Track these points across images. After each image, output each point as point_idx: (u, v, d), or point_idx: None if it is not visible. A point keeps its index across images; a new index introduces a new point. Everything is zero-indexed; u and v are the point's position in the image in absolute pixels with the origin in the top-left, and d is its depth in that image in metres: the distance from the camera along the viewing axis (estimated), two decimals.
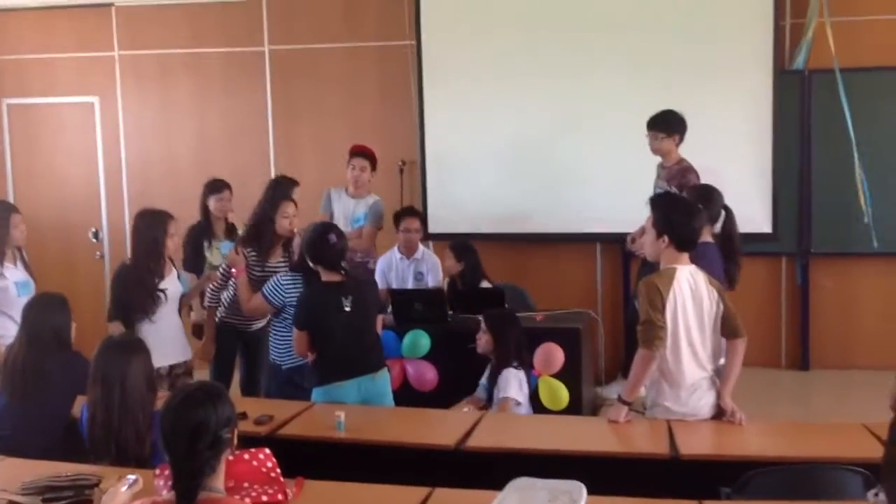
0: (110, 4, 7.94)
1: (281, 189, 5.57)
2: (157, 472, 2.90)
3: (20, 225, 5.24)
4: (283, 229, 5.22)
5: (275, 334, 4.99)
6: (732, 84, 6.76)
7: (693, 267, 4.00)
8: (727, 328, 3.97)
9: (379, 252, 6.42)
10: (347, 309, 4.43)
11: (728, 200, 4.81)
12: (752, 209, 6.61)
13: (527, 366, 4.78)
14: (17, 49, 8.15)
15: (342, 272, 4.51)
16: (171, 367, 4.83)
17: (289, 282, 4.78)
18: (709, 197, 4.69)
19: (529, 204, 7.14)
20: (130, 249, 4.90)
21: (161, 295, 4.80)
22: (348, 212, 6.27)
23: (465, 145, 7.24)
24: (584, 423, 4.65)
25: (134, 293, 4.78)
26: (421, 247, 6.34)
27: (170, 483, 2.51)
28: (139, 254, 4.85)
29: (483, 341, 4.82)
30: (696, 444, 3.70)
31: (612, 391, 6.40)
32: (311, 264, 4.54)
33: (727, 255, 4.72)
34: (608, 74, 6.91)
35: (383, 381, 4.60)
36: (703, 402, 3.95)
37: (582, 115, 6.99)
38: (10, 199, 8.18)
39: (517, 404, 4.57)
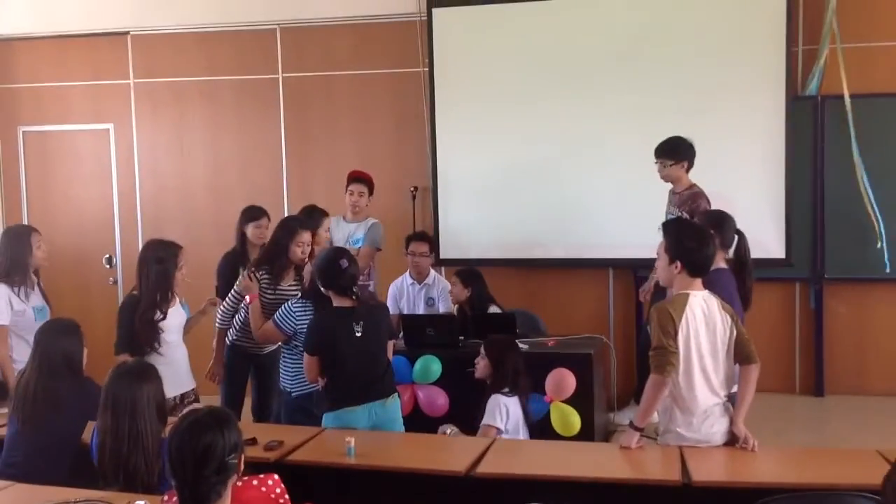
0: (126, 33, 8.02)
1: (307, 218, 5.61)
2: (165, 498, 2.89)
3: (41, 246, 5.22)
4: (295, 256, 5.23)
5: (285, 361, 4.99)
6: (745, 109, 6.76)
7: (706, 292, 3.99)
8: (740, 354, 3.95)
9: (389, 277, 6.43)
10: (358, 334, 4.43)
11: (741, 226, 4.80)
12: (765, 235, 6.59)
13: (523, 392, 4.72)
14: (33, 77, 8.24)
15: (353, 297, 4.51)
16: (183, 396, 4.82)
17: (299, 309, 4.78)
18: (721, 222, 4.68)
19: (541, 229, 7.14)
20: (138, 280, 4.81)
21: (161, 330, 4.76)
22: (348, 236, 6.30)
23: (477, 171, 7.25)
24: (595, 449, 4.62)
25: (140, 327, 4.72)
26: (433, 272, 6.34)
27: None
28: (147, 286, 4.78)
29: (481, 366, 4.81)
30: (708, 471, 3.67)
31: (624, 417, 6.37)
32: (322, 289, 4.55)
33: (741, 280, 4.70)
34: (620, 100, 6.92)
35: (394, 407, 4.58)
36: (716, 429, 3.92)
37: (594, 141, 7.00)
38: None
39: (500, 432, 4.52)
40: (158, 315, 4.76)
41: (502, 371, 4.71)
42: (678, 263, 3.94)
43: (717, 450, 3.88)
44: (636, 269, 7.05)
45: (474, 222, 7.30)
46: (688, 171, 5.82)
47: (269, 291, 5.17)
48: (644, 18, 6.96)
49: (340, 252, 4.66)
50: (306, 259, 5.27)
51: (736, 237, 4.72)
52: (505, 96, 7.16)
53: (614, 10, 7.02)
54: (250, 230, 5.84)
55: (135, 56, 8.04)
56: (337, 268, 4.48)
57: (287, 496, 3.04)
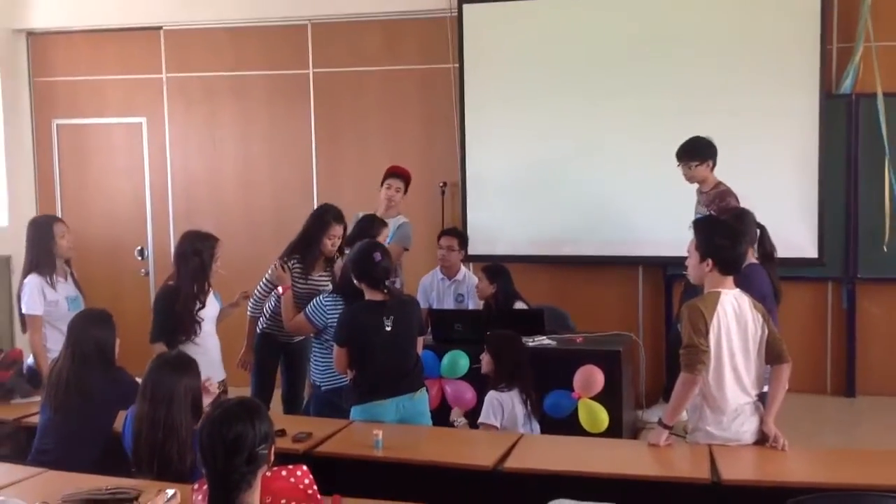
0: (159, 28, 8.09)
1: (367, 224, 5.61)
2: (195, 486, 2.92)
3: (66, 235, 5.25)
4: (325, 248, 5.26)
5: (315, 355, 5.01)
6: (778, 108, 6.69)
7: (738, 291, 3.97)
8: (771, 353, 3.93)
9: (418, 272, 6.43)
10: (389, 328, 4.44)
11: (772, 224, 4.78)
12: (797, 234, 6.55)
13: (523, 386, 4.70)
14: (68, 71, 8.33)
15: (385, 291, 4.53)
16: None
17: (330, 303, 4.80)
18: (742, 219, 4.67)
19: (570, 226, 7.12)
20: (175, 271, 4.88)
21: (199, 320, 4.83)
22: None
23: (506, 167, 7.25)
24: (623, 447, 4.60)
25: (177, 316, 4.79)
26: (463, 269, 6.35)
27: (207, 498, 2.53)
28: (184, 276, 4.85)
29: (485, 361, 4.82)
30: (737, 470, 3.65)
31: (652, 415, 6.33)
32: (355, 282, 4.57)
33: (768, 273, 4.69)
34: (652, 97, 6.88)
35: (422, 401, 4.59)
36: (746, 428, 3.90)
37: (624, 138, 6.97)
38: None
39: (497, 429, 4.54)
40: (198, 305, 4.81)
41: (501, 366, 4.73)
42: (709, 261, 3.92)
43: (746, 449, 3.86)
44: (666, 267, 7.01)
45: (503, 218, 7.30)
46: (712, 169, 5.78)
47: (300, 282, 5.20)
48: (675, 15, 6.92)
49: (374, 245, 4.67)
50: (336, 252, 5.29)
51: (758, 231, 4.71)
52: (535, 92, 7.14)
53: (646, 7, 6.99)
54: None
55: (167, 51, 8.11)
56: (371, 260, 4.49)
57: (315, 487, 3.05)
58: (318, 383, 4.96)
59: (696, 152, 5.73)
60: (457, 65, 7.33)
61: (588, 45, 7.04)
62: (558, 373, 4.93)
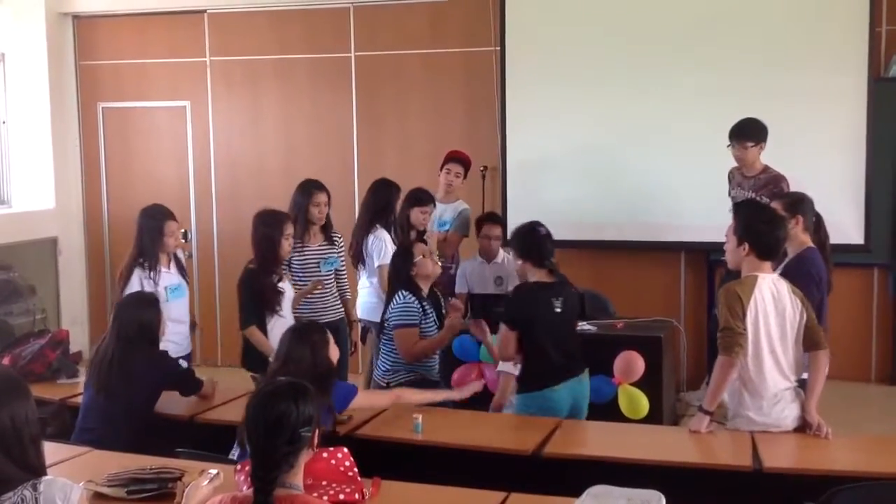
0: (203, 11, 8.14)
1: (382, 190, 5.80)
2: (238, 467, 2.95)
3: (175, 233, 5.25)
4: (314, 216, 5.45)
5: (383, 354, 4.93)
6: (824, 91, 6.58)
7: (775, 275, 3.94)
8: (809, 340, 3.89)
9: (462, 257, 6.44)
10: (558, 310, 4.36)
11: (817, 209, 4.70)
12: (843, 219, 6.44)
13: None
14: (113, 55, 8.42)
15: (551, 270, 4.44)
16: None
17: (410, 299, 4.74)
18: (801, 204, 4.54)
19: (612, 211, 7.07)
20: (254, 250, 5.00)
21: (281, 290, 4.94)
22: (436, 217, 6.29)
23: (548, 151, 7.20)
24: (664, 433, 4.58)
25: (262, 293, 4.88)
26: (502, 252, 6.32)
27: (250, 479, 2.55)
28: (257, 252, 4.98)
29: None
30: (780, 458, 3.62)
31: (693, 400, 6.31)
32: (518, 261, 4.49)
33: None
34: (694, 80, 6.79)
35: (587, 383, 4.50)
36: (787, 414, 3.86)
37: (667, 122, 6.89)
38: (104, 200, 8.49)
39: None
40: (275, 277, 4.92)
41: None
42: (746, 245, 3.89)
43: (788, 436, 3.82)
44: (709, 253, 6.95)
45: (543, 203, 7.24)
46: (760, 153, 5.72)
47: (296, 255, 5.37)
48: None
49: (536, 222, 4.62)
50: (324, 219, 5.49)
51: (814, 218, 4.62)
52: (576, 76, 7.09)
53: None
54: (415, 214, 5.85)
55: (211, 34, 8.15)
56: (536, 233, 4.44)
57: (356, 469, 3.08)
58: (386, 381, 4.89)
59: (753, 133, 5.66)
60: (499, 48, 7.29)
61: (628, 29, 6.96)
62: (599, 358, 4.91)
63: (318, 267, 5.48)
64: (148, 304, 4.30)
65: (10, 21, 8.19)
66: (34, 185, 8.30)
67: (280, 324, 4.82)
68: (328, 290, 5.49)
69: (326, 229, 5.54)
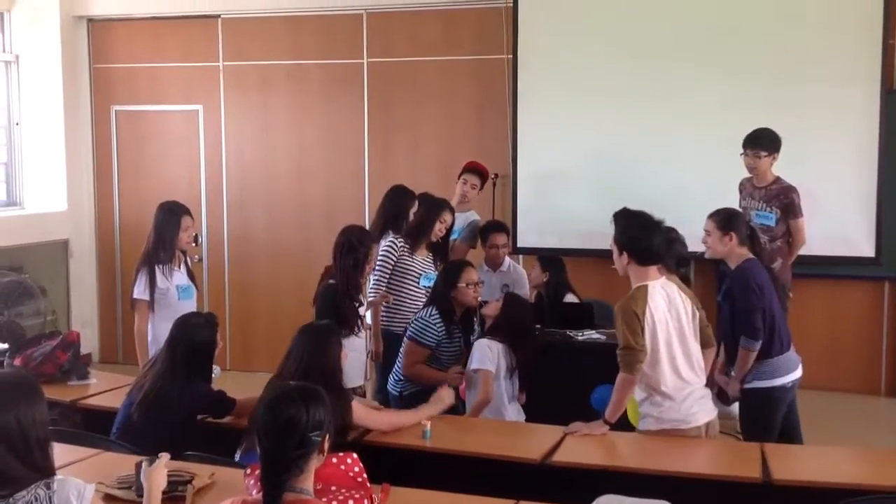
0: (217, 16, 8.17)
1: (398, 197, 5.75)
2: (248, 471, 2.96)
3: (189, 228, 5.24)
4: (434, 233, 5.57)
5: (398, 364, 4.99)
6: (836, 102, 6.57)
7: (664, 279, 4.08)
8: (700, 338, 4.09)
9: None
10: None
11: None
12: (853, 232, 6.43)
13: (511, 344, 4.73)
14: (127, 58, 8.45)
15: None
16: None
17: (435, 319, 4.87)
18: (737, 220, 4.74)
19: None
20: (338, 266, 4.86)
21: (361, 314, 4.90)
22: None
23: (559, 159, 7.20)
24: (673, 443, 4.57)
25: (342, 313, 4.75)
26: (508, 260, 6.32)
27: (259, 482, 2.56)
28: (339, 270, 4.84)
29: (492, 306, 4.87)
30: (789, 470, 3.62)
31: None
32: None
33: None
34: (707, 90, 6.79)
35: None
36: (696, 410, 4.01)
37: (678, 131, 6.89)
38: (116, 202, 8.52)
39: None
40: (358, 299, 4.87)
41: (506, 320, 4.75)
42: (625, 254, 4.05)
43: (799, 449, 3.84)
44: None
45: (553, 211, 7.26)
46: (773, 164, 5.72)
47: (406, 258, 5.44)
48: (732, 6, 6.82)
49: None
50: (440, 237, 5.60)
51: (748, 233, 4.76)
52: (588, 84, 7.09)
53: None
54: (436, 225, 5.82)
55: (225, 39, 8.19)
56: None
57: (365, 475, 3.08)
58: (399, 391, 4.92)
59: (767, 143, 5.67)
60: (511, 56, 7.30)
61: (641, 37, 6.96)
62: (606, 367, 4.87)
63: (418, 280, 5.49)
64: (206, 326, 4.16)
65: (26, 24, 8.25)
66: (46, 187, 8.34)
67: (353, 344, 4.79)
68: (416, 304, 5.44)
69: (438, 248, 5.62)
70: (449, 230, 5.74)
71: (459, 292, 4.90)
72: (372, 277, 5.39)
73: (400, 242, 5.49)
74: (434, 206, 5.63)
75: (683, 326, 4.01)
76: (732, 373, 4.51)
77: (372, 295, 5.45)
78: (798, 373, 4.54)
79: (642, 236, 4.03)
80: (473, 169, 6.44)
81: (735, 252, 4.57)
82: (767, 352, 4.44)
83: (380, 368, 5.61)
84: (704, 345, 4.12)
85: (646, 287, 3.97)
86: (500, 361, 4.68)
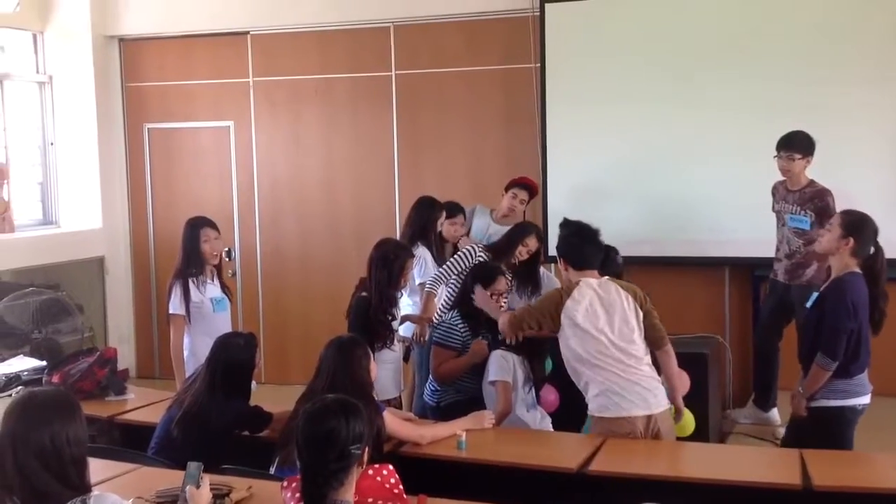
0: (246, 33, 8.24)
1: (426, 208, 5.88)
2: (285, 484, 2.96)
3: (212, 240, 5.24)
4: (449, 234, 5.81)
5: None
6: (870, 103, 6.47)
7: (603, 280, 4.25)
8: (649, 338, 4.17)
9: None
10: None
11: None
12: (890, 233, 6.32)
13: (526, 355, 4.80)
14: (159, 76, 8.54)
15: None
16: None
17: (459, 323, 4.95)
18: (861, 227, 4.28)
19: (654, 227, 7.02)
20: (373, 279, 4.87)
21: (394, 329, 4.93)
22: (484, 232, 6.31)
23: (587, 167, 7.18)
24: (710, 451, 4.54)
25: (374, 327, 4.78)
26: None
27: (297, 495, 2.57)
28: (374, 284, 4.86)
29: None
30: (830, 476, 3.56)
31: (741, 417, 6.24)
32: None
33: (871, 298, 4.27)
34: (736, 94, 6.72)
35: None
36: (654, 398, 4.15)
37: (709, 137, 6.83)
38: (150, 219, 8.61)
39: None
40: (389, 317, 4.88)
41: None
42: (562, 260, 4.33)
43: (838, 454, 3.78)
44: (754, 269, 6.87)
45: (585, 219, 7.15)
46: (806, 167, 5.67)
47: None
48: (761, 9, 6.75)
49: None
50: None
51: (872, 250, 4.31)
52: (616, 92, 7.05)
53: (730, 2, 6.86)
54: (446, 227, 5.93)
55: (254, 55, 8.25)
56: None
57: (401, 486, 3.08)
58: (436, 401, 4.92)
59: (801, 145, 5.63)
60: (538, 64, 7.29)
61: (669, 43, 6.91)
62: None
63: None
64: (245, 346, 4.21)
65: (58, 45, 8.36)
66: (81, 205, 8.44)
67: (386, 356, 4.84)
68: None
69: (527, 275, 5.72)
70: (533, 254, 5.71)
71: (483, 303, 4.89)
72: (439, 270, 5.49)
73: (481, 253, 5.49)
74: (520, 231, 5.67)
75: (618, 322, 4.14)
76: (800, 388, 4.27)
77: (430, 286, 5.49)
78: (868, 399, 4.22)
79: (578, 243, 4.32)
80: (525, 184, 6.48)
81: (844, 260, 4.23)
82: (846, 370, 4.16)
83: (419, 381, 5.63)
84: (653, 345, 4.21)
85: (579, 282, 4.20)
86: (517, 372, 4.71)
